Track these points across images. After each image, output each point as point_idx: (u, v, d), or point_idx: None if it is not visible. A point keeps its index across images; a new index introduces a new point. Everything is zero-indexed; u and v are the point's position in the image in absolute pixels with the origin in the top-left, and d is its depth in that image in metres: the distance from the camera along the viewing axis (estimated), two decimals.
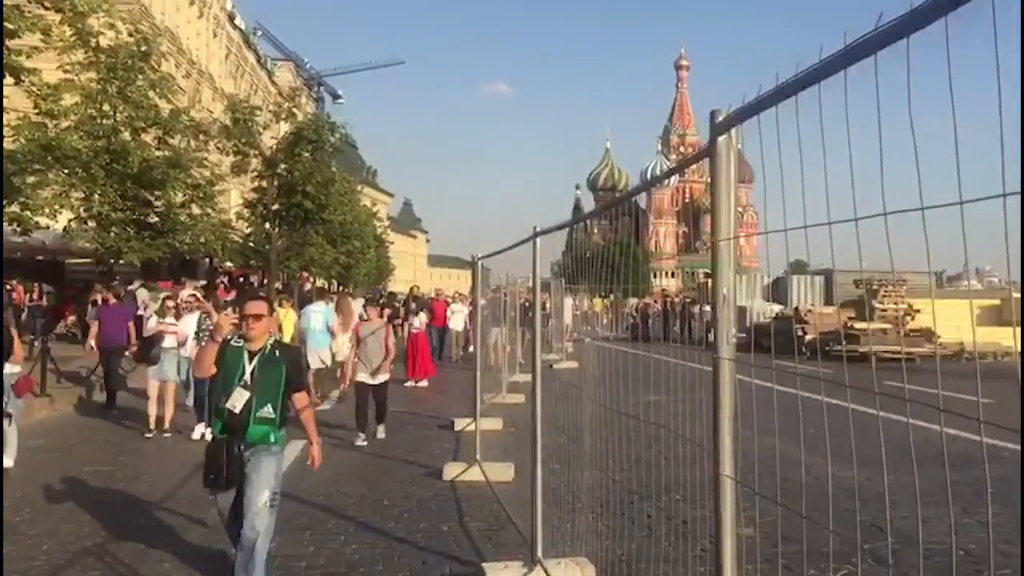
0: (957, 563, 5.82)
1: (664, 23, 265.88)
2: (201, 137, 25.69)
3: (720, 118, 2.14)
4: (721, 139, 2.15)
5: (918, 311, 25.94)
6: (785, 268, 29.74)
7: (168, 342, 11.66)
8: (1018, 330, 13.85)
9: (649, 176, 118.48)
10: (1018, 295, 16.38)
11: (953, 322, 24.40)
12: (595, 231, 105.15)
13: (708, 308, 28.48)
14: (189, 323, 11.72)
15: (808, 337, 22.81)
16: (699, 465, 7.12)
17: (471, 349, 22.70)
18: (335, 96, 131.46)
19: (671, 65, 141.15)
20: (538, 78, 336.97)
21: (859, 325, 24.16)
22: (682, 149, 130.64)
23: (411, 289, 32.27)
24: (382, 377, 11.07)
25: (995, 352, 22.99)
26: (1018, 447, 9.07)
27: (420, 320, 18.84)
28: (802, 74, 1.82)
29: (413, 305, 20.84)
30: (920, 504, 7.30)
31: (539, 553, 5.43)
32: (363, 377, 10.98)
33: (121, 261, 23.17)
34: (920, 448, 8.07)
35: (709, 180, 2.21)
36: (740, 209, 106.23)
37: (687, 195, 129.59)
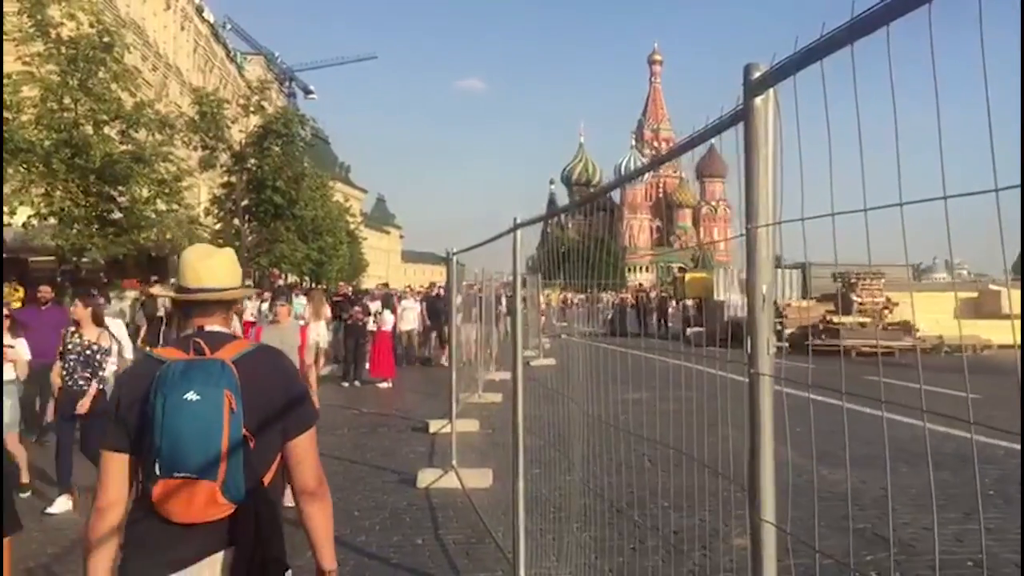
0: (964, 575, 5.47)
1: (637, 18, 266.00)
2: (167, 131, 25.01)
3: (756, 74, 1.72)
4: (758, 100, 1.74)
5: (896, 304, 25.80)
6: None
7: (7, 372, 7.81)
8: (1017, 323, 13.63)
9: (623, 171, 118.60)
10: (1017, 291, 16.17)
11: (931, 315, 24.41)
12: (570, 225, 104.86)
13: (688, 303, 28.22)
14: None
15: (787, 331, 22.55)
16: (684, 469, 6.73)
17: (427, 352, 21.90)
18: (307, 91, 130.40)
19: (644, 60, 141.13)
20: (512, 73, 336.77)
21: (838, 319, 23.97)
22: (655, 144, 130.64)
23: (380, 286, 30.81)
24: None
25: (975, 345, 22.85)
26: (1016, 445, 8.82)
27: (387, 319, 18.24)
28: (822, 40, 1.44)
29: (378, 304, 19.89)
30: (921, 510, 7.03)
31: (521, 572, 5.01)
32: None
33: (85, 259, 22.52)
34: (912, 446, 7.73)
35: (743, 147, 1.78)
36: (714, 203, 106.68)
37: (661, 189, 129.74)
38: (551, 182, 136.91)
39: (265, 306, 17.86)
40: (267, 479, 2.44)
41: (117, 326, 9.07)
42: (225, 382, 2.29)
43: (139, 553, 2.34)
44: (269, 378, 2.46)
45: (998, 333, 22.58)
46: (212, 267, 2.56)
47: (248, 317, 18.06)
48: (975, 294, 27.42)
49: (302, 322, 10.54)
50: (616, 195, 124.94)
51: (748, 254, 1.83)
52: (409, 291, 27.53)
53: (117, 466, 2.37)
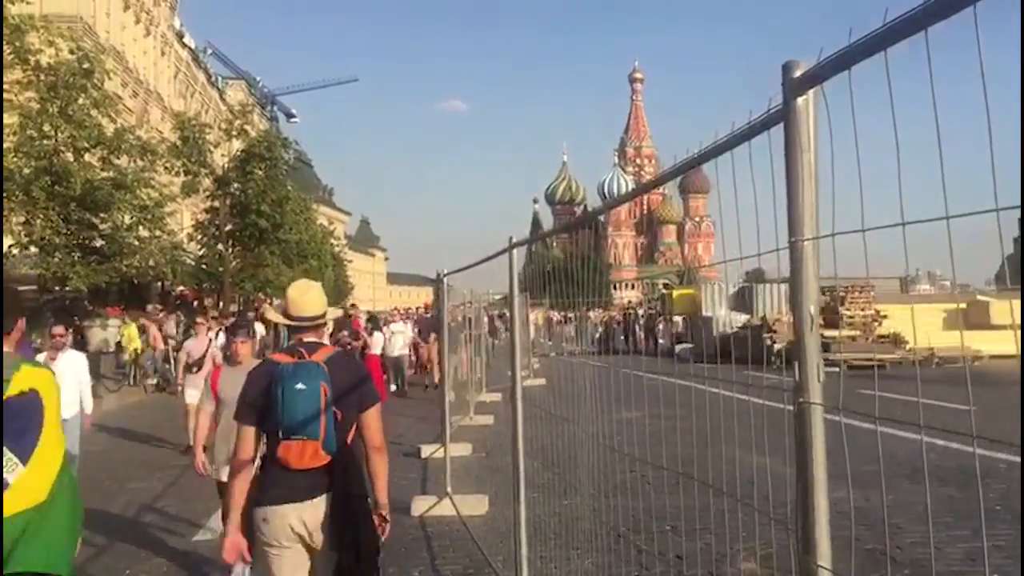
0: None
1: (617, 37, 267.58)
2: (148, 157, 24.77)
3: (798, 72, 1.57)
4: (800, 100, 1.59)
5: (885, 316, 25.77)
6: (741, 277, 29.42)
7: None
8: (1018, 334, 13.48)
9: (607, 190, 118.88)
10: (1018, 301, 16.13)
11: (920, 327, 24.36)
12: (555, 244, 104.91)
13: (677, 320, 28.10)
14: None
15: (777, 346, 22.45)
16: (684, 489, 6.57)
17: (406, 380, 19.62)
18: (289, 115, 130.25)
19: (626, 78, 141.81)
20: (493, 94, 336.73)
21: (828, 333, 23.88)
22: (638, 161, 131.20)
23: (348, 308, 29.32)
24: None
25: (966, 356, 22.77)
26: (1017, 459, 8.68)
27: (376, 341, 17.98)
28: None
29: (369, 326, 19.36)
30: (927, 526, 6.87)
31: None
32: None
33: (67, 287, 22.21)
34: (915, 461, 7.56)
35: (785, 152, 1.63)
36: (697, 219, 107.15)
37: (645, 206, 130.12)
38: (535, 201, 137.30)
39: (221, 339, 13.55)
40: (348, 440, 3.61)
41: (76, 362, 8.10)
42: (321, 377, 3.49)
43: (268, 491, 3.53)
44: (347, 373, 3.65)
45: (988, 343, 22.55)
46: (308, 301, 3.81)
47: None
48: (964, 305, 27.43)
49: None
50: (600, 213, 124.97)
51: (793, 270, 1.67)
52: (397, 313, 25.39)
53: (249, 435, 3.57)
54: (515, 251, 5.01)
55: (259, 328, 19.59)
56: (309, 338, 3.75)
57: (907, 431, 1.86)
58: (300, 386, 3.44)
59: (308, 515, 3.50)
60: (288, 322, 3.82)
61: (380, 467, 3.72)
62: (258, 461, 3.67)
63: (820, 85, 1.55)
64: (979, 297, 27.55)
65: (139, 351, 20.95)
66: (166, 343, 21.46)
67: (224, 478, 4.96)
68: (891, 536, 6.54)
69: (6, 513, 3.23)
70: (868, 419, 1.82)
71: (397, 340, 18.98)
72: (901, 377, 19.29)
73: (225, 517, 3.87)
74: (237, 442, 3.61)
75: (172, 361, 20.59)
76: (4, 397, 3.32)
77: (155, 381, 20.71)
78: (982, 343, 22.75)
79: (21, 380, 3.48)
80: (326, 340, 4.11)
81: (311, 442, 3.43)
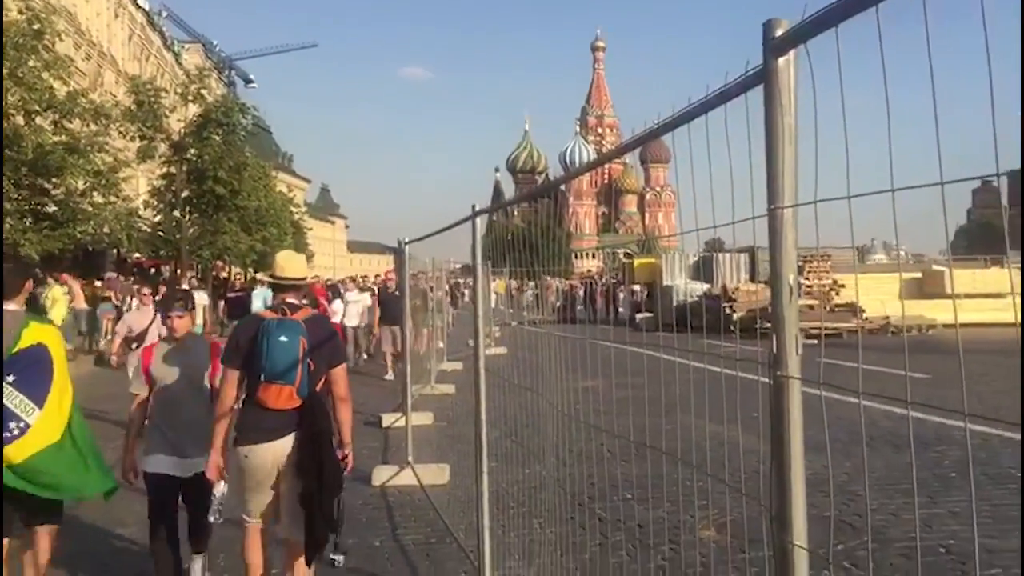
0: (939, 564, 5.37)
1: (580, 4, 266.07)
2: (102, 120, 24.18)
3: (780, 31, 1.50)
4: (781, 60, 1.52)
5: (843, 286, 26.07)
6: (701, 247, 29.55)
7: None
8: (1018, 314, 13.60)
9: (568, 159, 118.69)
10: (1019, 279, 16.28)
11: (876, 297, 24.71)
12: (516, 213, 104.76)
13: (636, 288, 28.17)
14: None
15: (736, 315, 22.64)
16: (644, 458, 6.58)
17: (366, 354, 18.80)
18: (247, 80, 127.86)
19: (588, 47, 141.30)
20: (455, 62, 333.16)
21: None
22: (600, 130, 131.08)
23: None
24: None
25: (920, 325, 23.16)
26: (968, 427, 8.81)
27: (336, 309, 17.74)
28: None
29: (329, 294, 18.88)
30: (887, 493, 6.95)
31: (487, 574, 4.79)
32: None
33: (19, 254, 21.70)
34: (870, 429, 7.66)
35: (764, 116, 1.56)
36: (658, 188, 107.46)
37: (606, 176, 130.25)
38: (496, 170, 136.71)
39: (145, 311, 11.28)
40: (318, 388, 4.27)
41: None
42: (300, 332, 4.15)
43: (249, 427, 4.21)
44: (321, 332, 4.34)
45: (942, 312, 22.93)
46: (292, 267, 4.52)
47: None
48: (919, 274, 27.85)
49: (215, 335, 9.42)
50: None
51: (772, 239, 1.61)
52: (352, 282, 23.37)
53: (233, 378, 4.25)
54: (478, 219, 4.93)
55: (202, 298, 18.27)
56: (291, 299, 4.40)
57: (874, 402, 1.83)
58: (283, 339, 4.08)
59: (280, 450, 4.15)
60: (274, 282, 4.51)
61: (345, 414, 4.44)
62: (239, 402, 4.34)
63: (804, 44, 1.49)
64: (934, 267, 27.99)
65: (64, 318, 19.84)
66: (93, 303, 20.84)
67: (151, 469, 4.70)
68: (849, 504, 6.62)
69: (30, 452, 3.91)
70: (837, 390, 1.79)
71: (352, 309, 18.44)
72: (855, 346, 19.58)
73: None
74: (222, 385, 4.31)
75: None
76: (15, 350, 4.01)
77: (73, 346, 19.68)
78: (937, 312, 23.13)
79: (30, 335, 4.09)
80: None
81: (287, 386, 4.08)
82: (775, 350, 1.63)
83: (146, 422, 4.93)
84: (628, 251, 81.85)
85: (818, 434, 2.11)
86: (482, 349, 5.05)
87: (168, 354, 4.89)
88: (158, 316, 11.34)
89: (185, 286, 24.31)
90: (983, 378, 12.53)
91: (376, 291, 18.96)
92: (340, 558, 5.46)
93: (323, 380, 4.30)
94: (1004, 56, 1.33)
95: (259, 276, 18.41)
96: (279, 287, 4.47)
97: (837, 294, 25.98)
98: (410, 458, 8.08)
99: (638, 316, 26.88)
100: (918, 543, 5.56)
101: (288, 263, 4.51)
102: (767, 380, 1.69)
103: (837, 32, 1.35)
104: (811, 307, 23.92)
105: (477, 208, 4.95)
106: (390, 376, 15.47)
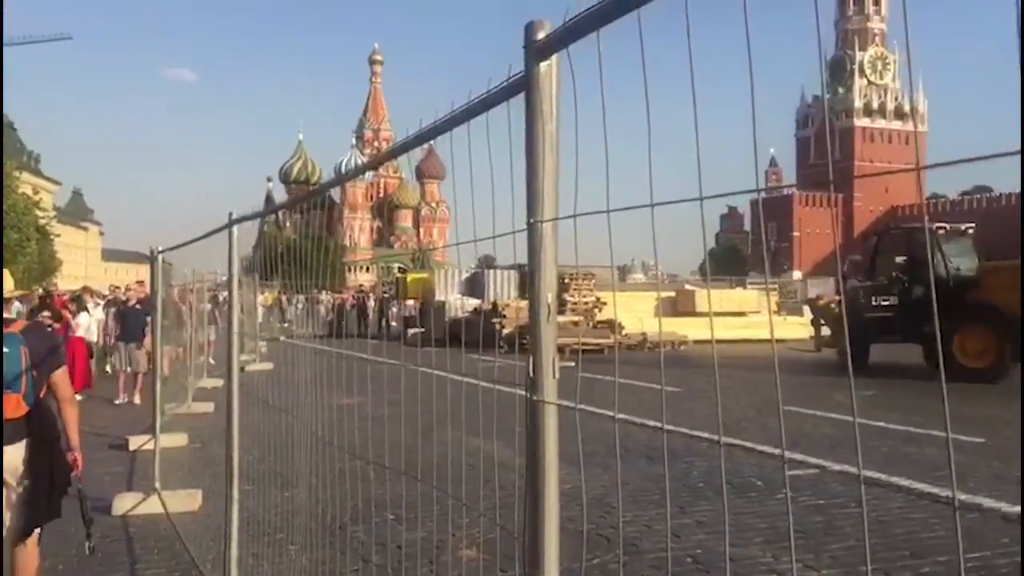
0: (686, 574, 5.57)
1: (358, 17, 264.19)
2: None
3: (541, 34, 1.40)
4: (543, 66, 1.42)
5: (605, 303, 27.24)
6: (473, 262, 30.00)
7: None
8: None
9: (343, 171, 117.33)
10: (716, 291, 17.42)
11: (634, 314, 26.05)
12: (287, 224, 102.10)
13: (409, 303, 28.12)
14: None
15: (506, 331, 23.08)
16: (407, 479, 6.42)
17: (108, 368, 17.36)
18: None
19: (366, 60, 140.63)
20: (225, 66, 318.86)
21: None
22: (376, 144, 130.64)
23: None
24: None
25: (674, 341, 24.56)
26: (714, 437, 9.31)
27: (82, 321, 16.42)
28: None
29: (73, 306, 17.27)
30: (640, 505, 7.18)
31: None
32: None
33: None
34: (625, 441, 7.89)
35: (525, 124, 1.45)
36: (433, 204, 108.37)
37: (382, 190, 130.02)
38: (268, 180, 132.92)
39: None
40: (42, 394, 4.35)
41: None
42: (21, 343, 4.22)
43: None
44: (41, 341, 4.44)
45: (693, 329, 24.47)
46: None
47: None
48: (673, 293, 29.65)
49: None
50: (336, 194, 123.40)
51: (531, 254, 1.50)
52: (87, 293, 20.17)
53: None
54: (236, 228, 4.62)
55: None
56: (9, 314, 4.83)
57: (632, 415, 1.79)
58: (6, 349, 4.18)
59: (12, 456, 4.22)
60: None
61: (71, 415, 4.57)
62: None
63: (567, 49, 1.40)
64: (687, 287, 29.89)
65: None
66: None
67: None
68: (605, 516, 6.76)
69: None
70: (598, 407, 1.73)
71: (92, 324, 17.41)
72: (612, 361, 20.46)
73: None
74: None
75: None
76: None
77: None
78: (688, 328, 24.66)
79: None
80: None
81: (14, 395, 4.18)
82: (531, 373, 1.52)
83: None
84: (402, 266, 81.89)
85: (575, 448, 2.06)
86: (236, 365, 4.74)
87: None
88: None
89: None
90: (728, 391, 13.38)
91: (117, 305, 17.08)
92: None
93: (46, 386, 4.40)
94: (764, 69, 1.29)
95: None
96: None
97: (600, 311, 27.12)
98: (157, 484, 7.48)
99: (410, 331, 26.84)
100: (668, 554, 5.75)
101: None
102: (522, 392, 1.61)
103: (599, 36, 1.27)
104: (575, 323, 24.81)
105: (235, 216, 4.64)
106: (121, 400, 14.43)
